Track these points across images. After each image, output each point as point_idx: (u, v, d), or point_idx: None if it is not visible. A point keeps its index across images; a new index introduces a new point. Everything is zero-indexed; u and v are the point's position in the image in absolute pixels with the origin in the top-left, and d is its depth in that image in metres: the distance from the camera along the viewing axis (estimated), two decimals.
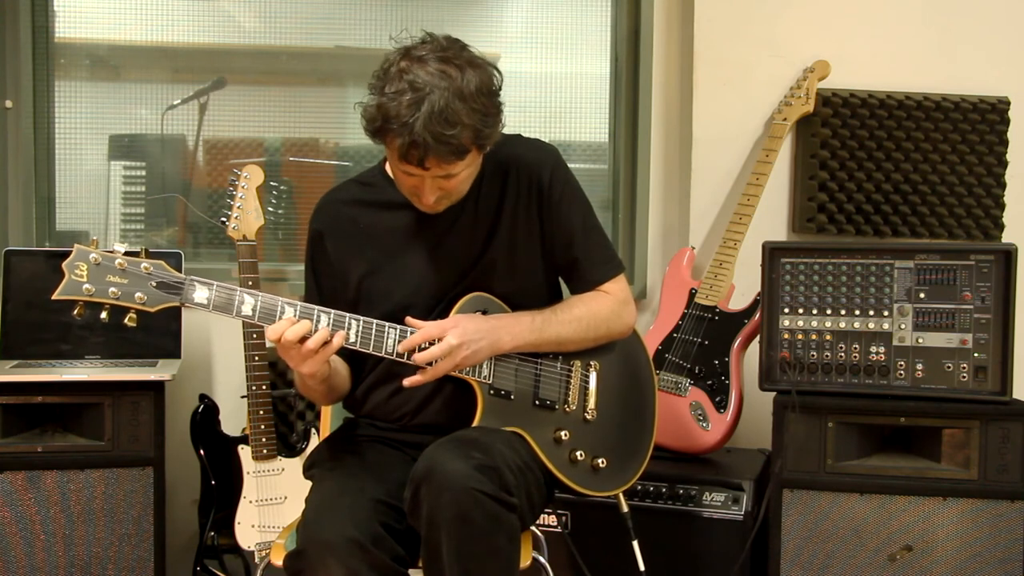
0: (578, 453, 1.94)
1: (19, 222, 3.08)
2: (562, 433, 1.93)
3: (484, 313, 1.88)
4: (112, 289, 1.62)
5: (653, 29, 3.17)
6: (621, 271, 2.02)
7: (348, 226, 1.91)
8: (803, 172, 3.00)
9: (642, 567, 2.18)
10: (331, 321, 1.72)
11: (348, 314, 1.75)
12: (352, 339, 1.74)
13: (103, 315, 1.64)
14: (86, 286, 1.61)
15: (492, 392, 1.86)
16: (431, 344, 1.78)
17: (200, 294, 1.66)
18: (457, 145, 1.67)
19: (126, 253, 1.64)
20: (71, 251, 1.62)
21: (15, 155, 3.09)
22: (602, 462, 1.98)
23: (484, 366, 1.85)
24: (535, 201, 1.92)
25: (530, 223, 1.92)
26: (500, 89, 1.75)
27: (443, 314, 1.86)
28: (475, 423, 1.84)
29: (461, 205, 1.85)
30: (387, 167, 1.92)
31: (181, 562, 2.87)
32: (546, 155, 1.94)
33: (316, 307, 1.73)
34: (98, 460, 2.54)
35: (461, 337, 1.78)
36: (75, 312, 1.63)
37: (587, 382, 1.99)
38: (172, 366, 2.67)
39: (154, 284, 1.64)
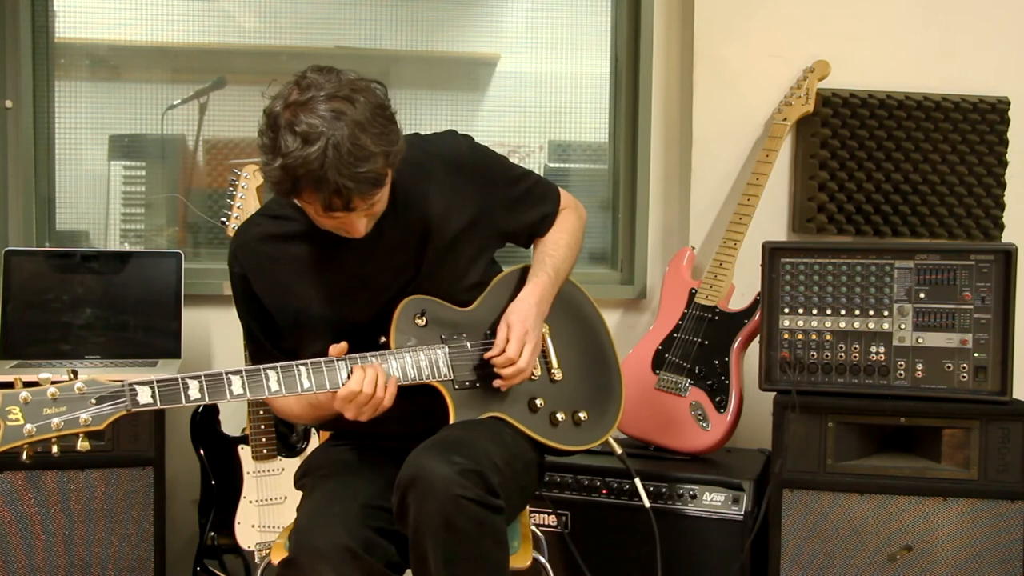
0: (558, 415, 1.95)
1: (19, 222, 3.08)
2: (536, 401, 1.93)
3: (423, 315, 1.87)
4: (55, 421, 1.54)
5: (653, 29, 3.17)
6: (557, 188, 2.11)
7: (269, 265, 1.85)
8: (803, 172, 3.00)
9: (647, 503, 2.23)
10: (280, 376, 1.69)
11: (294, 362, 1.71)
12: (307, 384, 1.71)
13: (54, 449, 1.56)
14: (27, 428, 1.52)
15: (457, 387, 1.86)
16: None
17: (143, 396, 1.59)
18: (375, 177, 1.63)
19: (54, 382, 1.56)
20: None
21: (15, 155, 3.09)
22: (583, 415, 1.99)
23: (442, 364, 1.84)
24: (470, 191, 1.90)
25: (471, 212, 1.91)
26: (389, 100, 1.70)
27: (384, 328, 1.84)
28: (451, 421, 1.83)
29: (380, 219, 1.80)
30: None
31: (181, 562, 2.87)
32: (457, 142, 1.94)
33: (261, 367, 1.69)
34: (98, 460, 2.53)
35: (522, 326, 1.87)
36: (23, 456, 1.54)
37: (544, 344, 2.00)
38: (172, 366, 2.67)
39: (95, 401, 1.57)
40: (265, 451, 2.73)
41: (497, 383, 1.86)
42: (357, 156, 1.59)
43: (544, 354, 2.00)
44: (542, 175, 2.13)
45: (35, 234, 3.10)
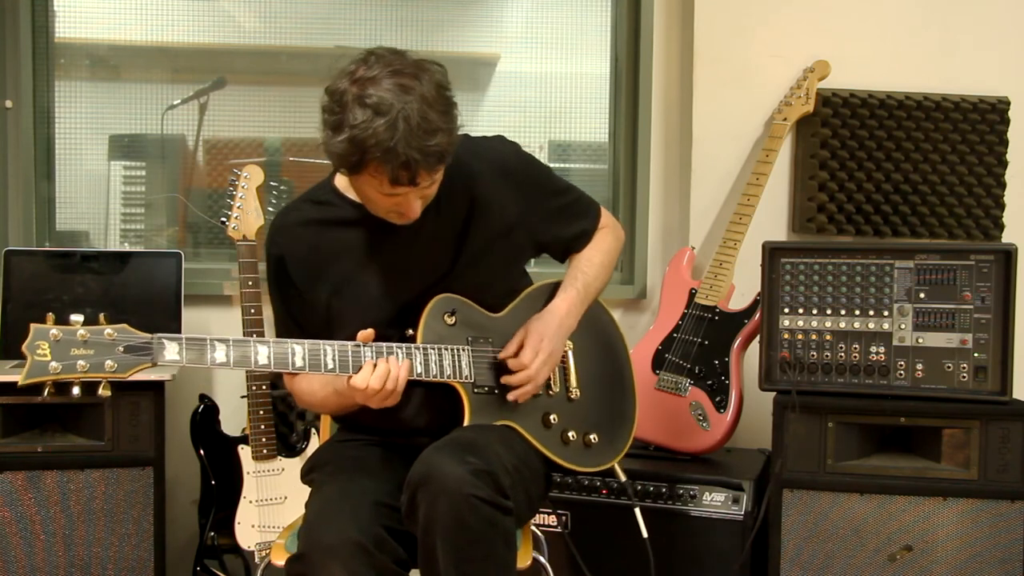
0: (570, 433, 1.96)
1: (19, 222, 3.08)
2: (551, 417, 1.94)
3: (453, 314, 1.87)
4: (80, 363, 1.55)
5: (653, 29, 3.17)
6: (599, 205, 2.11)
7: (308, 249, 1.86)
8: (803, 172, 3.00)
9: (645, 533, 2.20)
10: (306, 353, 1.70)
11: (321, 342, 1.72)
12: (331, 365, 1.72)
13: (75, 391, 1.57)
14: (52, 365, 1.53)
15: (476, 390, 1.86)
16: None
17: (170, 351, 1.60)
18: (441, 152, 1.65)
19: (85, 322, 1.57)
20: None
21: (15, 155, 3.09)
22: (594, 437, 2.00)
23: (464, 366, 1.85)
24: (512, 197, 1.91)
25: (509, 218, 1.92)
26: (449, 83, 1.71)
27: (414, 323, 1.85)
28: (465, 423, 1.83)
29: (422, 214, 1.81)
30: (337, 183, 1.89)
31: (181, 562, 2.87)
32: (505, 147, 1.96)
33: (289, 340, 1.70)
34: (98, 460, 2.54)
35: (539, 335, 1.88)
36: (44, 393, 1.55)
37: (565, 362, 2.00)
38: (172, 367, 2.66)
39: (122, 349, 1.57)
40: (265, 451, 2.73)
41: (511, 395, 1.87)
42: (426, 129, 1.61)
43: (564, 371, 2.01)
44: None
45: (35, 234, 3.10)
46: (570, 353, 2.01)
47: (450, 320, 1.87)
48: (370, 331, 1.74)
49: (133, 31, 3.19)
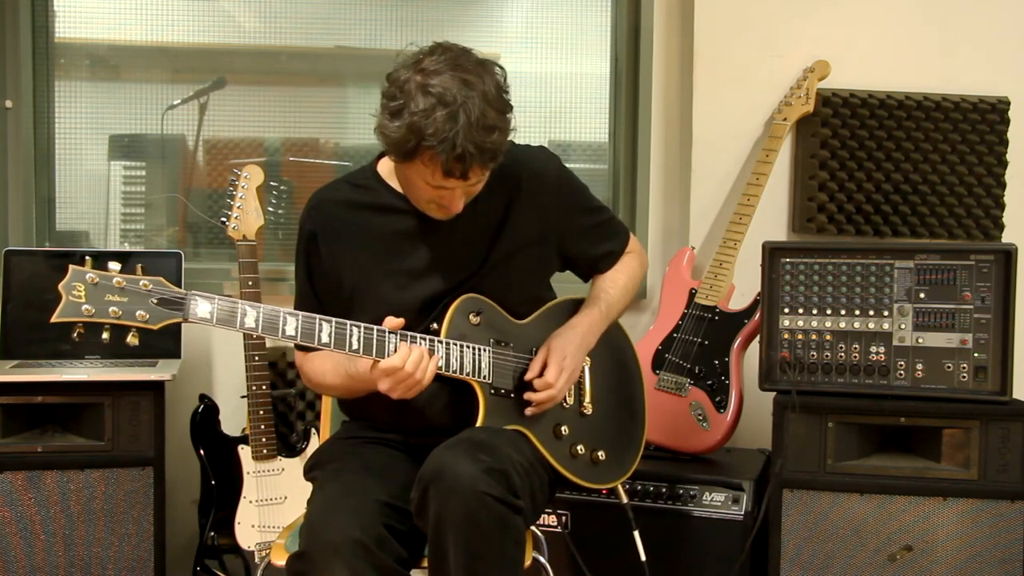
0: (578, 447, 1.96)
1: (19, 222, 3.08)
2: (562, 428, 1.95)
3: (479, 314, 1.88)
4: (112, 308, 1.58)
5: (653, 29, 3.17)
6: (628, 230, 2.15)
7: (342, 228, 1.88)
8: (803, 172, 3.00)
9: (643, 557, 2.20)
10: (333, 330, 1.71)
11: (348, 322, 1.72)
12: (355, 346, 1.72)
13: (104, 335, 1.61)
14: (85, 307, 1.57)
15: (493, 392, 1.87)
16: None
17: (203, 308, 1.62)
18: (495, 150, 1.68)
19: (121, 270, 1.60)
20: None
21: (15, 155, 3.09)
22: (601, 455, 2.01)
23: (484, 366, 1.86)
24: (547, 207, 1.94)
25: (541, 227, 1.94)
26: (508, 85, 1.75)
27: (436, 317, 1.86)
28: (478, 423, 1.84)
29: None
30: (379, 169, 1.91)
31: (181, 562, 2.87)
32: (547, 158, 1.97)
33: (317, 316, 1.71)
34: (98, 460, 2.54)
35: (561, 352, 1.90)
36: (74, 334, 1.60)
37: (581, 378, 2.01)
38: (172, 366, 2.67)
39: (155, 301, 1.60)
40: (265, 451, 2.73)
41: (529, 411, 1.88)
42: (484, 125, 1.64)
43: (580, 386, 2.02)
44: None
45: (35, 234, 3.10)
46: (586, 369, 2.02)
47: (475, 320, 1.88)
48: (400, 320, 1.75)
49: (133, 31, 3.20)
